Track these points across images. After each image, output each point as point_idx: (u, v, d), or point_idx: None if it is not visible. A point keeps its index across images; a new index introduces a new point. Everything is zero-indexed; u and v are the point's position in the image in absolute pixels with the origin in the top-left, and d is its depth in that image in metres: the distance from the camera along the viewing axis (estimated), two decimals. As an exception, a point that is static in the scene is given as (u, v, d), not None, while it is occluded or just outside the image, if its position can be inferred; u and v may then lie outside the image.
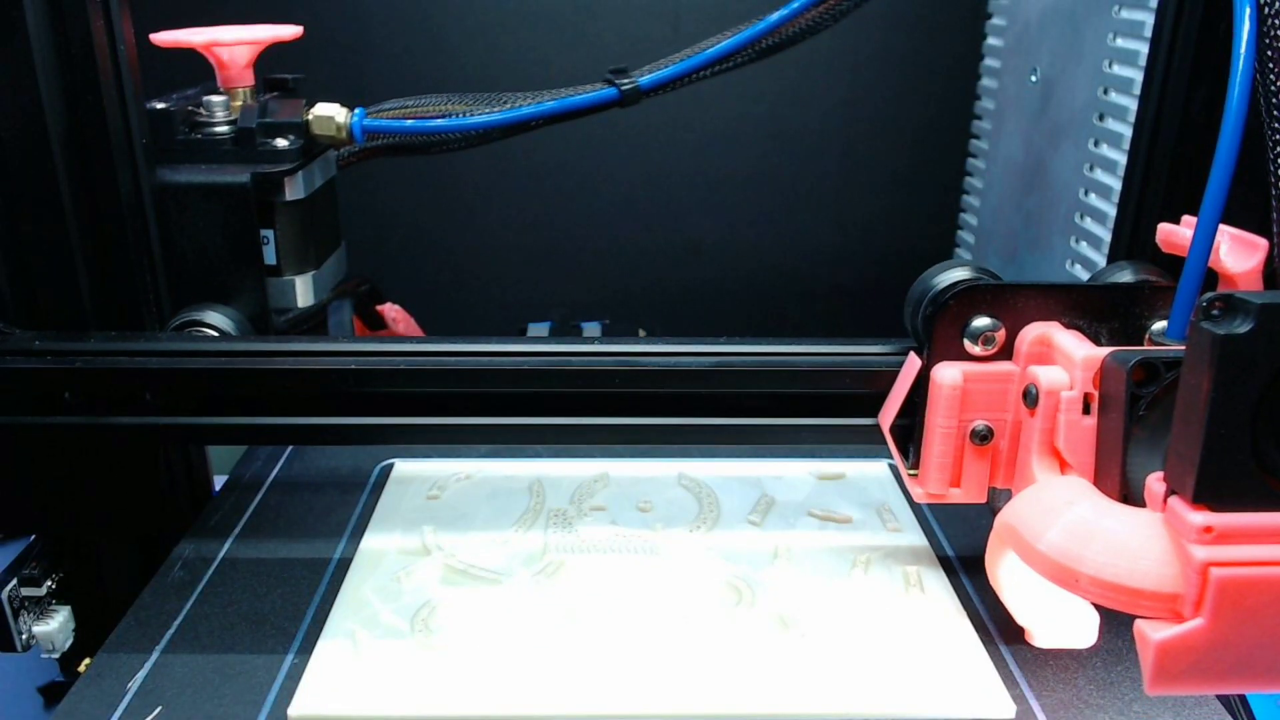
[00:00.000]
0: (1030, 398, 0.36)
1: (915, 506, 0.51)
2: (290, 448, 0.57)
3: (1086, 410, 0.35)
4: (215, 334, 0.46)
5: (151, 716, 0.37)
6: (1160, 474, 0.29)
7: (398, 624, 0.41)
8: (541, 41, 0.75)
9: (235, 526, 0.49)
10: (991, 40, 0.75)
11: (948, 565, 0.47)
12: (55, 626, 0.48)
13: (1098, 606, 0.37)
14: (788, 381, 0.40)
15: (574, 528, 0.48)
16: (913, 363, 0.39)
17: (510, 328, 0.77)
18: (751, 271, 0.83)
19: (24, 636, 0.46)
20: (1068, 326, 0.37)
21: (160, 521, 0.49)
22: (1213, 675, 0.29)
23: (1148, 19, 0.50)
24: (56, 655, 0.49)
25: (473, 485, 0.52)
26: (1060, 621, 0.38)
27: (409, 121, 0.51)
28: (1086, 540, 0.30)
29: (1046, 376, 0.35)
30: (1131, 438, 0.32)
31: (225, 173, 0.47)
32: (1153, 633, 0.28)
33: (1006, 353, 0.38)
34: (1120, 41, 0.54)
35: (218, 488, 0.54)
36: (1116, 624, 0.43)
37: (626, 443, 0.41)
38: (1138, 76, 0.51)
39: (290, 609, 0.43)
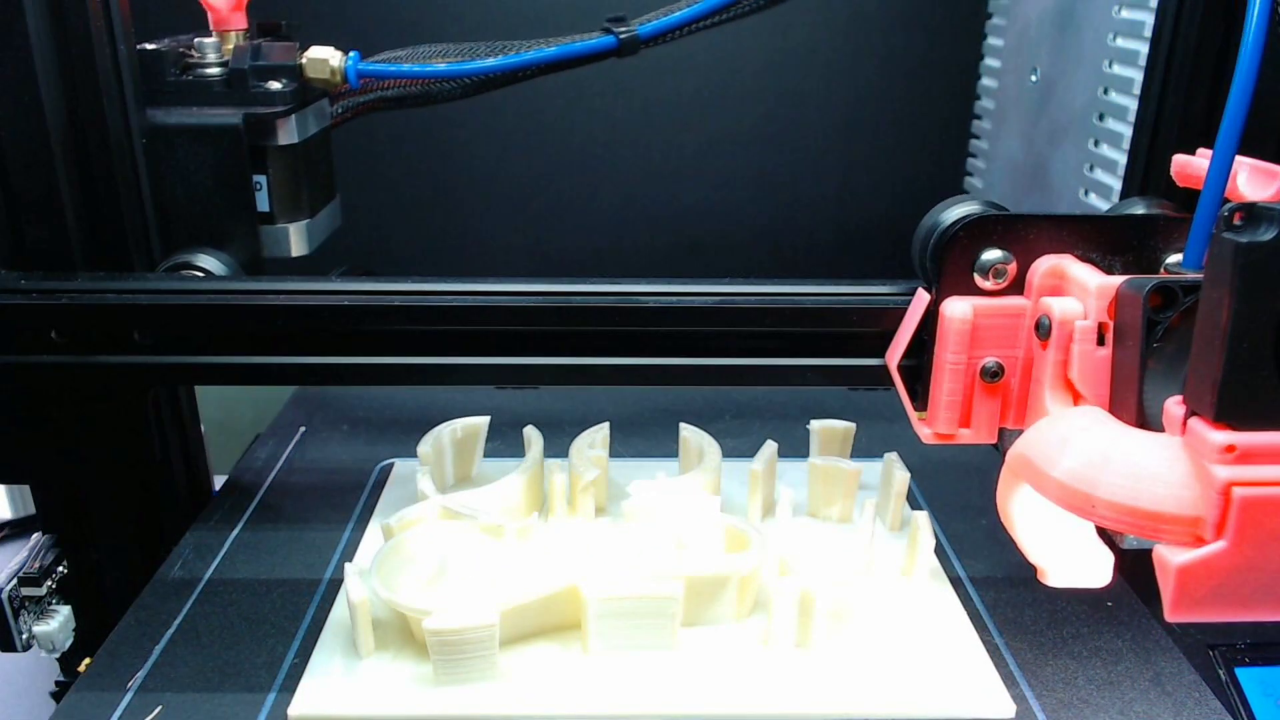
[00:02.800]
0: (1043, 329, 0.35)
1: (916, 506, 0.51)
2: (291, 445, 0.57)
3: (1101, 341, 0.34)
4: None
5: (151, 716, 0.37)
6: (1179, 397, 0.28)
7: (398, 623, 0.40)
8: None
9: (235, 526, 0.49)
10: (991, 40, 0.75)
11: (948, 565, 0.47)
12: (55, 626, 0.47)
13: (1112, 547, 0.36)
14: (792, 320, 0.39)
15: (570, 527, 0.47)
16: (921, 299, 0.38)
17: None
18: (751, 273, 0.82)
19: (24, 636, 0.46)
20: (1081, 259, 0.36)
21: (149, 477, 0.48)
22: (1235, 600, 0.28)
23: (1148, 19, 0.51)
24: (56, 655, 0.49)
25: (472, 485, 0.51)
26: (1074, 560, 0.37)
27: (405, 66, 0.50)
28: (1103, 465, 0.29)
29: (1060, 306, 0.34)
30: (1147, 368, 0.32)
31: (216, 114, 0.46)
32: (1173, 557, 0.28)
33: (1018, 288, 0.37)
34: (1120, 41, 0.54)
35: (218, 488, 0.54)
36: (1116, 623, 0.43)
37: (626, 383, 0.40)
38: (1138, 76, 0.51)
39: (290, 609, 0.43)
